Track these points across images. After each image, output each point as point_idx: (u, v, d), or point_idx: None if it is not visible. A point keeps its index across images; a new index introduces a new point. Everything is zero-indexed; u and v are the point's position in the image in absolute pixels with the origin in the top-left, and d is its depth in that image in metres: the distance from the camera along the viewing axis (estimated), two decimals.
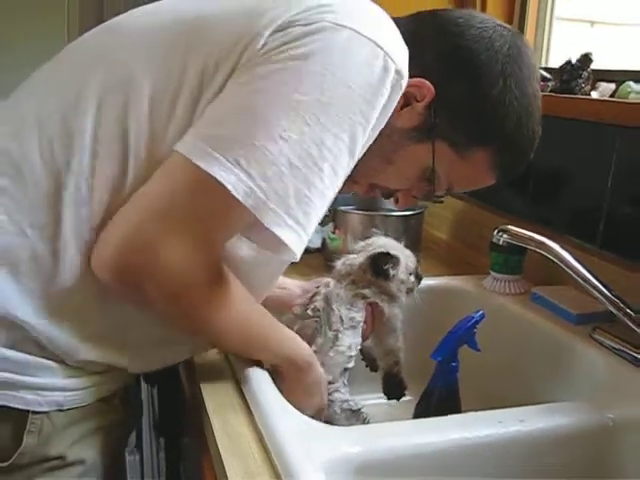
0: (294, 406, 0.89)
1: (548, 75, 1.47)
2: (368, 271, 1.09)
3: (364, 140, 0.81)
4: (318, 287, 1.10)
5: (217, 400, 0.91)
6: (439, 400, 1.11)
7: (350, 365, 1.05)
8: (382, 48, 0.79)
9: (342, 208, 1.48)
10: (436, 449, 0.84)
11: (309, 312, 1.06)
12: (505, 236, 1.05)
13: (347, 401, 1.04)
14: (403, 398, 1.13)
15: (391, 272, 1.09)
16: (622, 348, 1.06)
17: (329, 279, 1.10)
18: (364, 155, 0.87)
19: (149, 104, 0.80)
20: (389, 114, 0.84)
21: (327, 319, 1.04)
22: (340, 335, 1.04)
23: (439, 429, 0.87)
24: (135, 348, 0.90)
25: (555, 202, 1.40)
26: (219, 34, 0.82)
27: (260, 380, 0.92)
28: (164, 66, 0.82)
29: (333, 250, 1.44)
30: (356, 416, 1.03)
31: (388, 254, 1.09)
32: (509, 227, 1.05)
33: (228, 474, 0.75)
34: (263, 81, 0.77)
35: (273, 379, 0.94)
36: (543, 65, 1.68)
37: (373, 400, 1.18)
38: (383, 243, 1.15)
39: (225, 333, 0.88)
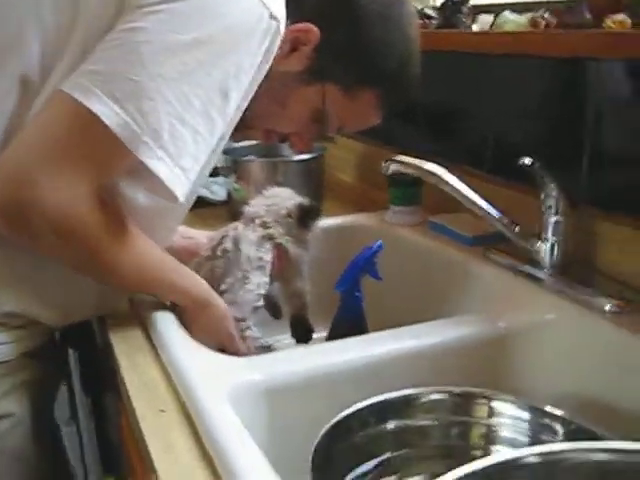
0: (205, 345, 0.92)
1: (433, 13, 1.51)
2: (295, 218, 1.13)
3: (240, 83, 0.83)
4: (226, 230, 1.13)
5: (126, 345, 0.94)
6: (346, 330, 1.14)
7: (259, 304, 1.08)
8: None
9: (243, 158, 1.50)
10: (338, 369, 0.89)
11: (218, 253, 1.08)
12: (393, 166, 1.09)
13: (259, 339, 1.07)
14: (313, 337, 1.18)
15: (313, 224, 1.15)
16: (512, 263, 1.12)
17: (237, 223, 1.13)
18: (256, 100, 0.90)
19: (40, 59, 0.83)
20: (270, 58, 0.87)
21: (236, 260, 1.06)
22: (248, 275, 1.06)
23: (340, 350, 0.92)
24: (50, 300, 0.93)
25: (448, 133, 1.45)
26: None
27: (166, 321, 0.95)
28: (54, 21, 0.84)
29: (239, 201, 1.46)
30: (267, 352, 1.07)
31: (318, 207, 1.15)
32: (396, 157, 1.09)
33: (137, 413, 0.77)
34: (142, 22, 0.80)
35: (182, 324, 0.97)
36: (431, 4, 1.72)
37: (284, 340, 1.22)
38: (286, 194, 1.19)
39: (122, 270, 0.89)
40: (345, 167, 1.79)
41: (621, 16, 1.05)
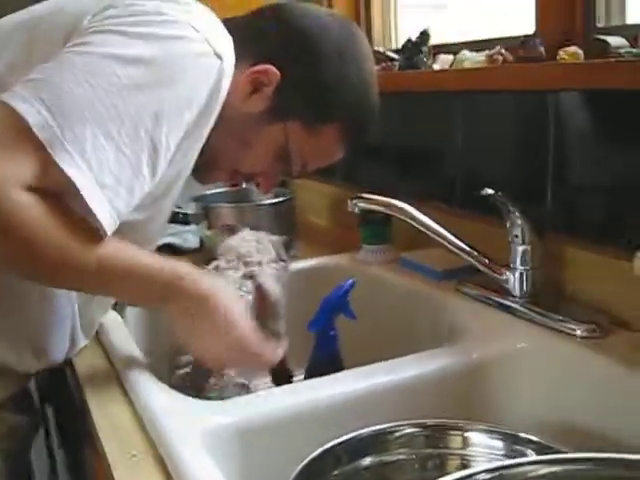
0: (219, 350, 0.89)
1: (395, 55, 1.54)
2: (280, 253, 1.14)
3: (178, 115, 0.82)
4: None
5: (97, 391, 0.92)
6: (323, 370, 1.13)
7: None
8: (199, 31, 0.84)
9: (212, 205, 1.51)
10: (311, 408, 0.87)
11: None
12: (360, 204, 1.11)
13: (234, 377, 1.04)
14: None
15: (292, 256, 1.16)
16: (483, 294, 1.13)
17: (217, 262, 1.13)
18: (219, 141, 0.93)
19: None
20: (219, 97, 0.87)
21: None
22: None
23: (313, 389, 0.91)
24: (19, 342, 0.92)
25: (417, 172, 1.48)
26: (53, 30, 0.86)
27: (138, 366, 0.94)
28: (9, 64, 0.86)
29: (211, 248, 1.47)
30: (246, 390, 1.04)
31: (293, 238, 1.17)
32: (362, 195, 1.11)
33: (109, 459, 0.76)
34: (85, 38, 0.81)
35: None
36: (393, 47, 1.76)
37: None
38: (256, 235, 1.19)
39: (84, 267, 0.80)
40: (317, 210, 1.81)
41: (573, 48, 1.08)
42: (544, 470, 0.51)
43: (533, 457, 0.52)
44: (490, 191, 1.02)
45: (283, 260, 1.15)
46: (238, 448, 0.83)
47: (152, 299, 0.89)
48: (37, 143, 0.74)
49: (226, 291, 0.91)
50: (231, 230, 1.21)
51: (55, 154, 0.74)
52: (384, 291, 1.32)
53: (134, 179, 0.79)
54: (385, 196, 1.14)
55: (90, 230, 0.78)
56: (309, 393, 0.90)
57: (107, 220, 0.77)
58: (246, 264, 1.11)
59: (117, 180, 0.77)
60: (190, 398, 0.88)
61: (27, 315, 0.90)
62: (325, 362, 1.16)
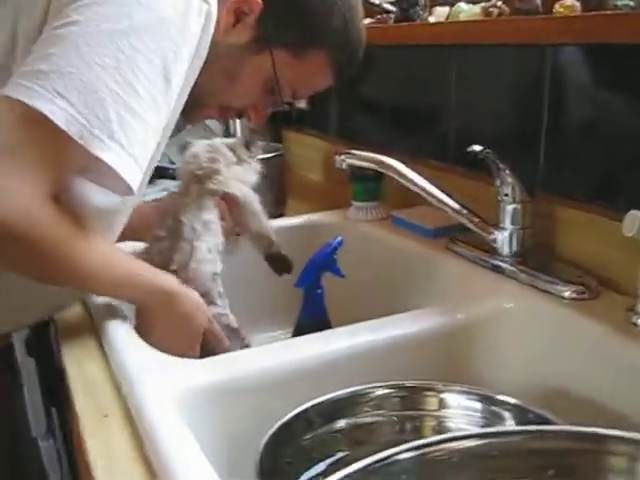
0: (178, 345, 0.91)
1: (391, 7, 1.50)
2: (240, 154, 1.12)
3: (179, 68, 0.82)
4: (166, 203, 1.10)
5: (75, 349, 0.92)
6: (310, 328, 1.12)
7: (218, 269, 1.03)
8: None
9: None
10: (291, 369, 0.86)
11: (162, 233, 1.03)
12: (348, 160, 1.08)
13: (225, 315, 1.02)
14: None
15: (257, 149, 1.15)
16: (473, 254, 1.11)
17: (173, 193, 1.10)
18: (207, 78, 0.90)
19: None
20: (207, 42, 0.86)
21: (178, 234, 1.01)
22: (196, 244, 1.01)
23: (293, 349, 0.90)
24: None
25: (412, 128, 1.44)
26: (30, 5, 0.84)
27: (116, 323, 0.93)
28: None
29: None
30: (235, 335, 1.02)
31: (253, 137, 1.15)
32: (349, 151, 1.08)
33: (80, 418, 0.76)
34: (74, 16, 0.78)
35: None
36: None
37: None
38: (211, 146, 1.14)
39: (83, 270, 0.84)
40: (311, 166, 1.77)
41: (570, 0, 1.04)
42: (470, 444, 0.49)
43: (457, 433, 0.51)
44: (478, 147, 0.99)
45: (245, 160, 1.12)
46: (213, 409, 0.81)
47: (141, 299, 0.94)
48: (64, 138, 0.73)
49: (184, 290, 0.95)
50: (183, 148, 1.16)
51: (87, 144, 0.74)
52: (374, 249, 1.30)
53: (156, 140, 0.83)
54: (378, 152, 1.11)
55: (89, 234, 0.83)
56: (288, 353, 0.89)
57: (137, 184, 0.80)
58: (200, 181, 1.07)
59: (144, 147, 0.80)
60: (168, 357, 0.87)
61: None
62: (312, 320, 1.15)
